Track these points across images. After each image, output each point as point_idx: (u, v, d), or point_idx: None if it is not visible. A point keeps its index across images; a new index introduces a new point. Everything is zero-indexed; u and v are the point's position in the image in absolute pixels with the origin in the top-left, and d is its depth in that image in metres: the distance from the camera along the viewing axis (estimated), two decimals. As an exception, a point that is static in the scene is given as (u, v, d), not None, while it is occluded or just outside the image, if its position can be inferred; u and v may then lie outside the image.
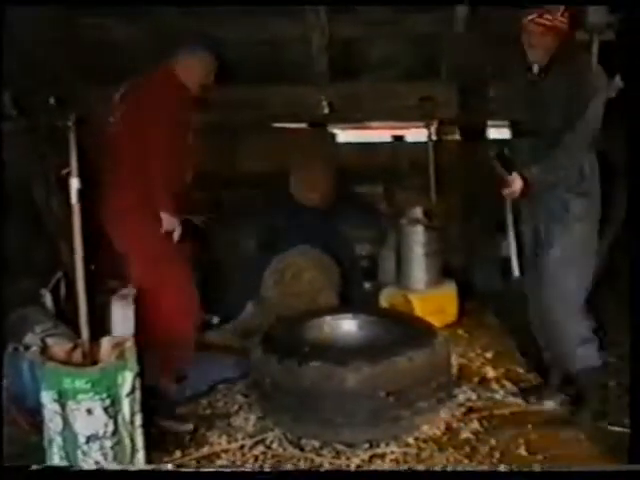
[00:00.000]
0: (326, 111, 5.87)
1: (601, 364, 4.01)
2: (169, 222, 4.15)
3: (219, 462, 3.71)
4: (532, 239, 4.08)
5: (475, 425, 3.98)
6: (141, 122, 4.08)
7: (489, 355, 4.92)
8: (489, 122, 5.96)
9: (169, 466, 3.55)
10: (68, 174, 3.50)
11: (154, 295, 4.20)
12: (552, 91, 3.79)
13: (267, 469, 3.57)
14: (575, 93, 3.66)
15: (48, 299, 4.89)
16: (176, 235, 4.19)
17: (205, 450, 3.82)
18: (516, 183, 3.88)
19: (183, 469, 3.55)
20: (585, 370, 3.96)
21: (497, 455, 3.68)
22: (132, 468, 3.28)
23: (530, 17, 3.72)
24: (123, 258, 4.30)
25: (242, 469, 3.58)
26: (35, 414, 3.73)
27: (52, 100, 4.89)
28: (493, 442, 3.80)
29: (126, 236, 4.20)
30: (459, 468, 3.54)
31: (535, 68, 3.90)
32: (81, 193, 3.43)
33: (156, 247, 4.21)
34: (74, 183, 3.41)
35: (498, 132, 5.78)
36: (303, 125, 6.28)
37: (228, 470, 3.54)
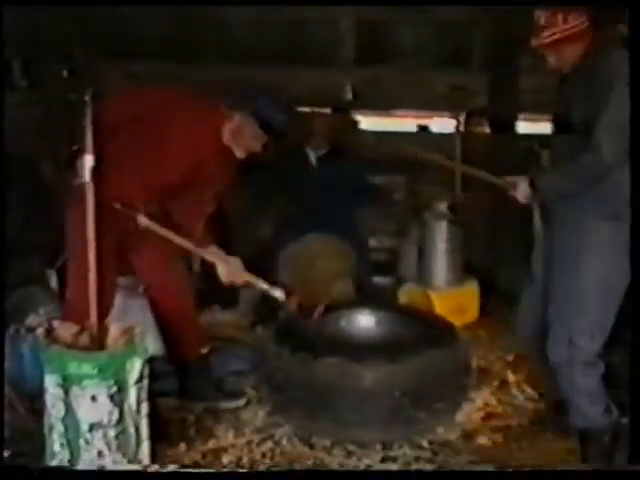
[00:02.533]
0: (350, 96, 5.74)
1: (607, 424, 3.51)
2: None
3: (225, 457, 3.58)
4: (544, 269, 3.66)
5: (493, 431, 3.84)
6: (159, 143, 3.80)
7: (510, 358, 4.76)
8: (520, 115, 5.82)
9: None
10: (78, 150, 3.37)
11: None
12: (573, 95, 3.39)
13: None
14: (595, 90, 3.25)
15: (53, 279, 4.76)
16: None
17: (211, 444, 3.69)
18: (520, 187, 3.51)
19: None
20: (588, 429, 3.52)
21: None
22: (136, 468, 3.12)
23: (534, 43, 3.36)
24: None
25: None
26: (33, 399, 3.63)
27: (65, 72, 4.77)
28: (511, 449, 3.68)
29: None
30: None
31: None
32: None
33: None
34: (88, 160, 3.27)
35: (528, 126, 5.67)
36: (326, 110, 6.14)
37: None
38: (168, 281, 4.10)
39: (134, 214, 3.74)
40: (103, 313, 3.64)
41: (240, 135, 3.83)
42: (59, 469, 3.05)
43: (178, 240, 3.80)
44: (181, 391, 4.16)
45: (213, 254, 3.90)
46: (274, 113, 3.82)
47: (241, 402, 4.12)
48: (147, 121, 3.80)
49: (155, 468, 3.16)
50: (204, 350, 4.21)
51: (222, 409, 4.08)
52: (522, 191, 3.51)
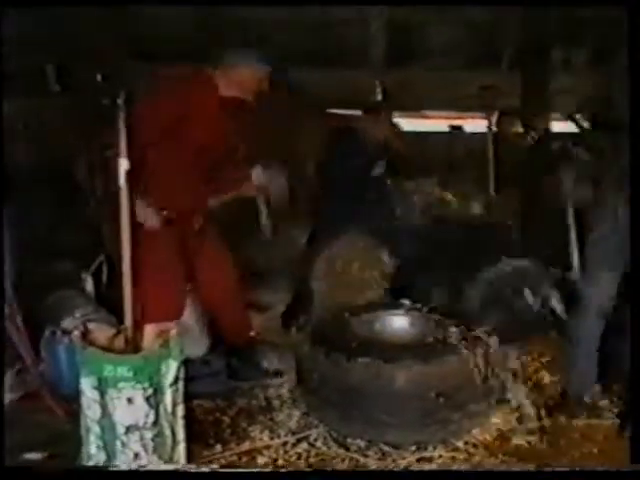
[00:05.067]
0: (379, 97, 5.71)
1: None
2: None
3: (260, 458, 3.58)
4: None
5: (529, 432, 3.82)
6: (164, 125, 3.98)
7: (545, 359, 4.72)
8: (552, 114, 5.76)
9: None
10: (112, 154, 3.40)
11: None
12: None
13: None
14: None
15: (89, 283, 4.79)
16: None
17: (246, 445, 3.70)
18: None
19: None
20: None
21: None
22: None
23: None
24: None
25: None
26: (70, 401, 3.65)
27: (99, 77, 4.80)
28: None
29: None
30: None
31: None
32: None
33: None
34: (123, 164, 3.29)
35: (561, 125, 5.62)
36: (357, 112, 6.12)
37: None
38: (222, 276, 4.39)
39: None
40: (177, 314, 3.99)
41: (236, 81, 4.12)
42: (64, 470, 3.08)
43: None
44: (230, 374, 4.36)
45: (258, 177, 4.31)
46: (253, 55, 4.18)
47: (284, 380, 4.35)
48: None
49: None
50: (252, 333, 4.58)
51: (267, 386, 4.33)
52: None
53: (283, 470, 3.34)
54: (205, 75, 4.16)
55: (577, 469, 3.10)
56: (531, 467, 3.38)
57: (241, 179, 4.27)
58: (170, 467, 3.14)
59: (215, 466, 3.38)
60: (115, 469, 3.06)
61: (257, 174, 4.27)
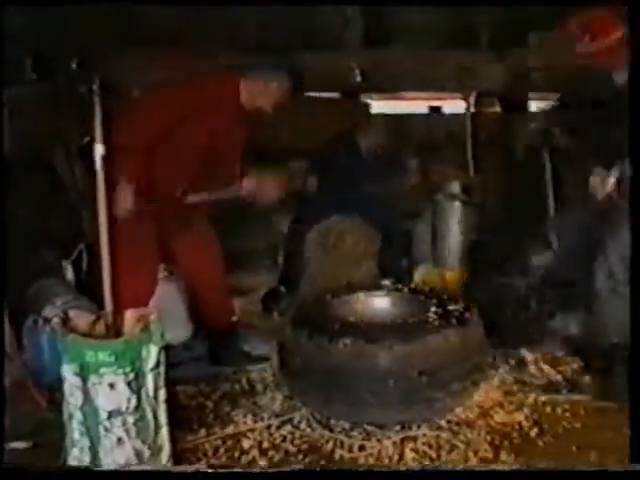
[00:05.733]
0: (358, 79, 5.70)
1: None
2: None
3: (245, 442, 3.59)
4: None
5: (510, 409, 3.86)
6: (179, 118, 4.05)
7: (527, 336, 4.74)
8: (530, 94, 5.76)
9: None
10: (90, 141, 3.38)
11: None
12: None
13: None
14: None
15: (69, 271, 4.79)
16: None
17: (230, 429, 3.71)
18: None
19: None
20: None
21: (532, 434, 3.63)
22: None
23: None
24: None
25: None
26: (53, 390, 3.64)
27: (74, 64, 4.79)
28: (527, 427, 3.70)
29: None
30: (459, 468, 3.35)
31: None
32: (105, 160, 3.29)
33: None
34: (98, 149, 3.26)
35: (540, 104, 5.62)
36: (335, 95, 6.11)
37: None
38: (209, 261, 4.44)
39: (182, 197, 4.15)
40: (145, 300, 3.94)
41: (260, 93, 4.21)
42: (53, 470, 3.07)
43: (226, 195, 4.30)
44: (212, 359, 4.43)
45: (251, 183, 4.34)
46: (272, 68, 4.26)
47: (266, 365, 4.37)
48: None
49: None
50: (234, 318, 4.61)
51: (250, 371, 4.37)
52: None
53: (274, 470, 3.32)
54: (233, 79, 4.24)
55: (576, 469, 3.10)
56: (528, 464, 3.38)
57: (231, 181, 4.32)
58: (158, 468, 3.14)
59: (203, 465, 3.37)
60: (102, 469, 3.05)
61: (249, 182, 4.34)
